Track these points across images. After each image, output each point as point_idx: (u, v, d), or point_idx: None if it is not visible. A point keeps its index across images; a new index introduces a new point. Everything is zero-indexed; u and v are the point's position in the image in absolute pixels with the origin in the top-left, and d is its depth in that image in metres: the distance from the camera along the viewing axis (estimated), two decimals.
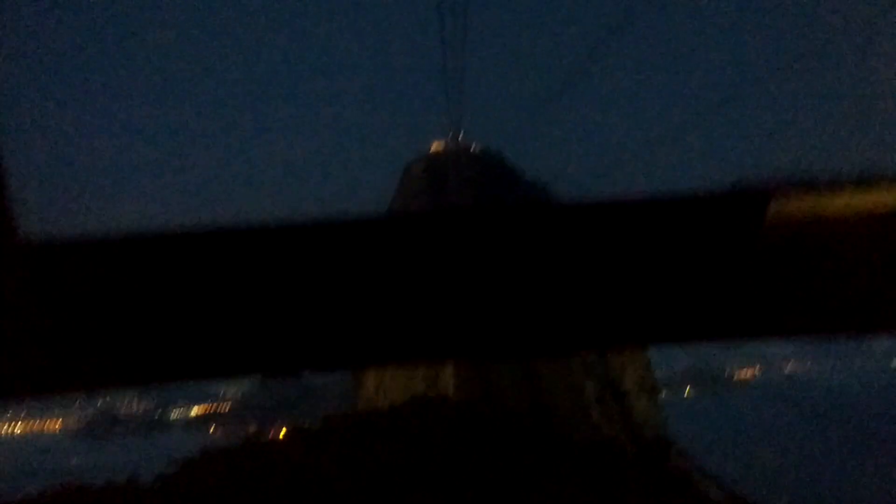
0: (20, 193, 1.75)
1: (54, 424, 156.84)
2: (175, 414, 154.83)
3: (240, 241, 1.75)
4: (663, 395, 50.33)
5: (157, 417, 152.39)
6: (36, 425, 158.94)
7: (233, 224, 1.74)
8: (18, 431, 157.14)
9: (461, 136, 63.91)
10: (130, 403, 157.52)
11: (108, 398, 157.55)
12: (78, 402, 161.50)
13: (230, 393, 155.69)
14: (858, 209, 1.79)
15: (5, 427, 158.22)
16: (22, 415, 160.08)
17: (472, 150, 62.37)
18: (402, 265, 1.77)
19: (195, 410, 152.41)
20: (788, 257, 1.78)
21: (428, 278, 1.76)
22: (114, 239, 1.75)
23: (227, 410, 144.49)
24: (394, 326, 1.74)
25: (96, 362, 1.69)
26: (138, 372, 1.73)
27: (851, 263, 1.76)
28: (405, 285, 1.72)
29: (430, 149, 63.35)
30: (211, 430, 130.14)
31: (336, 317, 1.74)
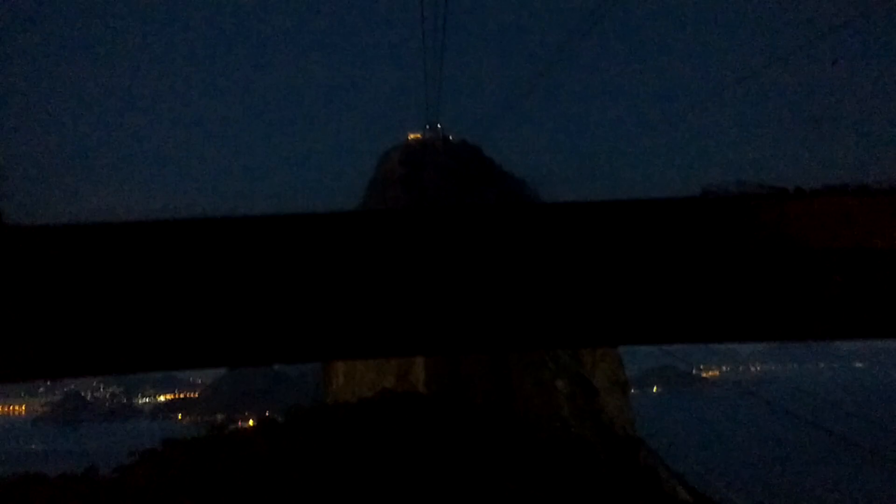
0: (2, 181, 1.79)
1: (20, 409, 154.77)
2: (142, 400, 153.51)
3: (216, 231, 1.76)
4: (633, 392, 50.56)
5: (124, 403, 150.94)
6: (1, 409, 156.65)
7: (209, 215, 1.77)
8: None
9: (438, 126, 63.70)
10: (97, 389, 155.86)
11: (74, 385, 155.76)
12: (43, 387, 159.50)
13: (199, 381, 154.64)
14: (826, 215, 1.83)
15: None
16: None
17: (448, 140, 62.14)
18: (376, 259, 1.76)
19: (163, 397, 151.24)
20: (759, 261, 1.78)
21: (401, 273, 1.76)
22: (92, 226, 1.75)
23: (195, 398, 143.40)
24: (366, 319, 1.74)
25: (75, 348, 1.69)
26: (117, 358, 1.71)
27: (823, 268, 1.79)
28: (378, 279, 1.75)
29: (407, 138, 63.10)
30: (178, 418, 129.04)
31: (309, 308, 1.73)
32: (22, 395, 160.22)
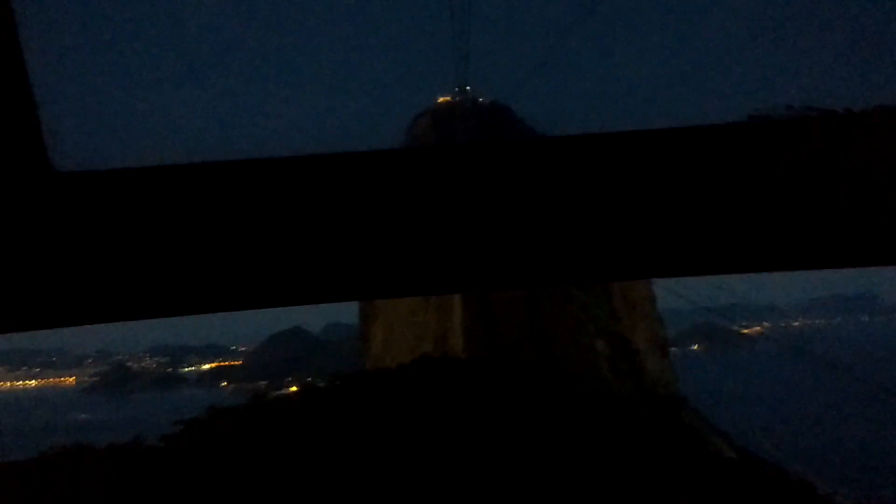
0: (51, 125, 1.75)
1: (70, 379, 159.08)
2: (187, 369, 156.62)
3: (256, 173, 1.77)
4: (673, 350, 50.04)
5: (169, 372, 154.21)
6: (51, 380, 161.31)
7: (248, 157, 1.81)
8: (34, 384, 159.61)
9: (468, 89, 62.87)
10: (144, 358, 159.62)
11: (121, 356, 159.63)
12: (91, 357, 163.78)
13: (242, 349, 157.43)
14: (873, 139, 1.76)
15: (21, 382, 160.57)
16: (37, 370, 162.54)
17: (478, 102, 61.33)
18: (409, 198, 1.77)
19: (207, 366, 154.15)
20: (805, 188, 1.74)
21: (435, 210, 1.76)
22: (142, 170, 1.76)
23: (238, 365, 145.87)
24: (400, 257, 1.77)
25: (121, 290, 1.72)
26: (161, 301, 1.75)
27: (868, 194, 1.73)
28: (413, 217, 1.76)
29: (436, 102, 62.44)
30: (223, 385, 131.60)
31: (344, 248, 1.76)
32: (71, 366, 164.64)
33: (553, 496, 21.95)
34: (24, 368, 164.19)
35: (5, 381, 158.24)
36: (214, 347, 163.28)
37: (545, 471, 23.00)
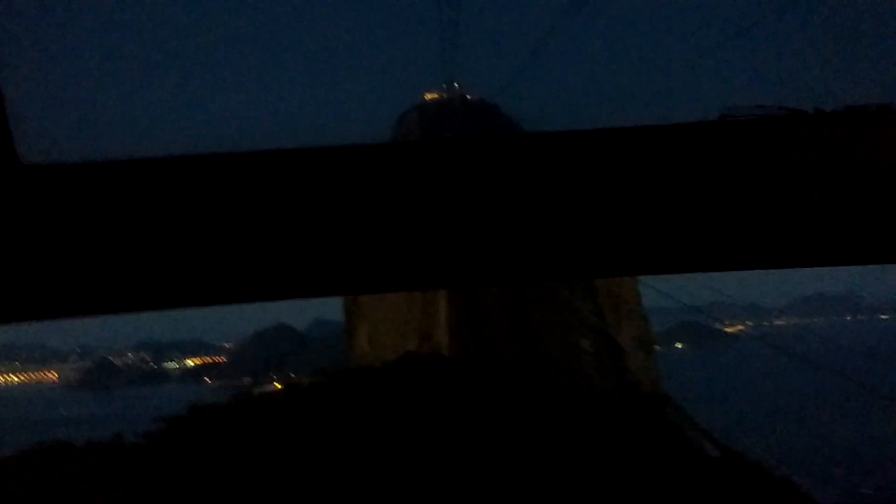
0: (18, 116, 1.74)
1: (52, 375, 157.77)
2: (171, 365, 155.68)
3: (233, 167, 1.77)
4: (657, 349, 50.19)
5: (153, 368, 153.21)
6: (34, 375, 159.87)
7: (226, 151, 1.79)
8: (16, 380, 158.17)
9: (456, 86, 62.65)
10: (126, 354, 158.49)
11: (104, 352, 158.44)
12: (74, 353, 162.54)
13: (226, 345, 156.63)
14: (845, 139, 1.81)
15: (3, 377, 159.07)
16: (18, 365, 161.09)
17: (466, 100, 61.13)
18: (396, 193, 1.76)
19: (191, 362, 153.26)
20: (780, 187, 1.78)
21: (421, 206, 1.76)
22: (109, 164, 1.76)
23: (222, 362, 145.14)
24: (386, 253, 1.77)
25: (93, 285, 1.72)
26: (133, 296, 1.74)
27: (841, 193, 1.78)
28: (398, 212, 1.77)
29: (424, 99, 62.17)
30: (206, 382, 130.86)
31: (329, 242, 1.75)
32: (54, 362, 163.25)
33: (536, 492, 21.98)
34: (6, 364, 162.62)
35: None
36: (198, 344, 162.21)
37: (529, 467, 23.02)
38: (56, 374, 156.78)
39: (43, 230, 1.69)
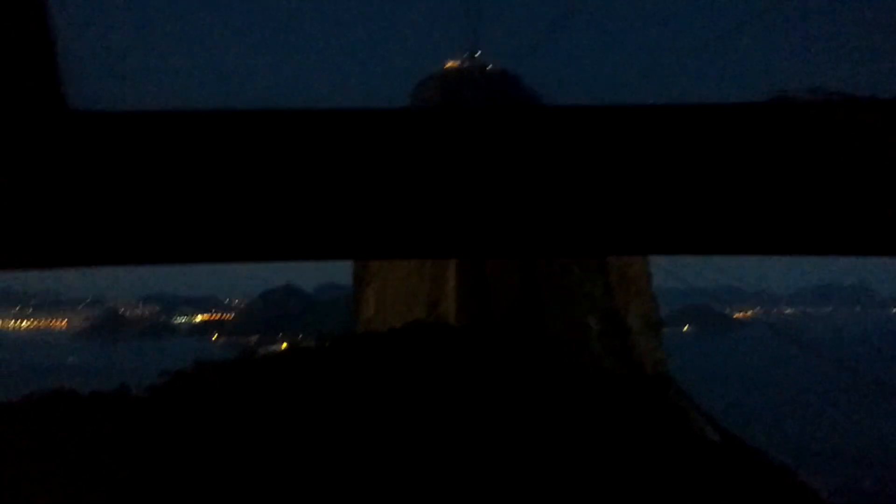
0: (68, 64, 1.72)
1: (62, 323, 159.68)
2: (179, 319, 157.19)
3: (267, 124, 1.77)
4: (664, 331, 50.14)
5: (161, 322, 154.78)
6: (43, 323, 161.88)
7: (260, 107, 1.78)
8: (25, 326, 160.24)
9: (478, 55, 61.91)
10: (136, 306, 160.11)
11: (113, 302, 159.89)
12: (84, 302, 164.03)
13: (234, 303, 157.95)
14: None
15: (12, 322, 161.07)
16: (29, 311, 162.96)
17: (487, 69, 60.45)
18: (411, 158, 1.75)
19: (199, 317, 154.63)
20: (819, 173, 1.72)
21: (436, 173, 1.75)
22: (158, 114, 1.77)
23: (230, 319, 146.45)
24: (398, 218, 1.77)
25: (130, 233, 1.75)
26: (176, 248, 1.77)
27: (880, 181, 1.72)
28: (412, 178, 1.77)
29: (444, 67, 61.51)
30: (213, 338, 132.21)
31: (344, 205, 1.75)
32: (64, 310, 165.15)
33: (535, 466, 22.05)
34: (18, 310, 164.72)
35: None
36: (207, 300, 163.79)
37: (529, 441, 23.09)
38: (65, 323, 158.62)
39: (86, 177, 1.70)
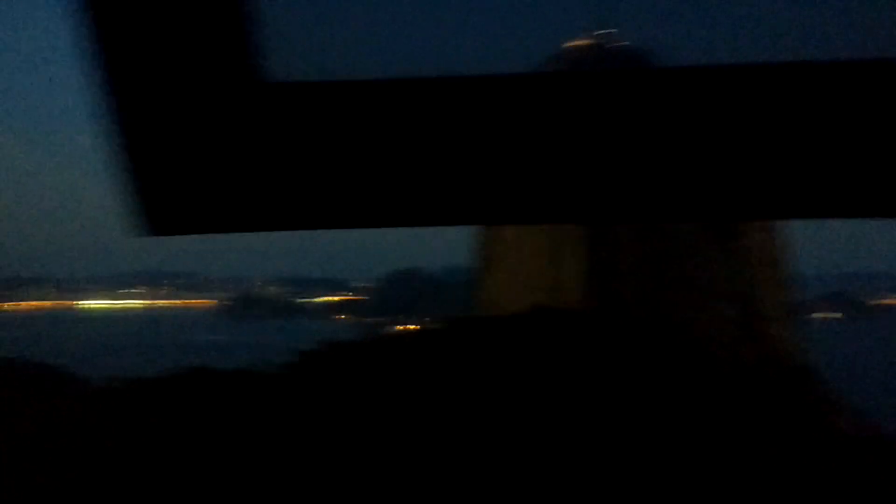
0: (261, 33, 1.75)
1: (200, 302, 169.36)
2: (311, 300, 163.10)
3: (456, 90, 1.76)
4: (801, 318, 47.68)
5: (292, 302, 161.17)
6: (181, 302, 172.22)
7: (448, 74, 1.77)
8: (168, 304, 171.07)
9: (605, 31, 59.92)
10: (269, 287, 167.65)
11: (249, 282, 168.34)
12: (222, 283, 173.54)
13: (362, 285, 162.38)
14: None
15: (159, 301, 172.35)
16: (173, 290, 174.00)
17: (615, 48, 58.62)
18: (544, 122, 1.72)
19: (328, 298, 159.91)
20: None
21: (568, 136, 1.72)
22: (355, 83, 1.81)
23: (359, 300, 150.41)
24: (530, 183, 1.78)
25: (320, 202, 1.81)
26: (371, 213, 1.82)
27: None
28: (544, 143, 1.77)
29: (569, 46, 60.07)
30: (342, 319, 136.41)
31: (485, 169, 1.76)
32: (202, 289, 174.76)
33: (661, 456, 21.46)
34: (156, 288, 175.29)
35: (145, 299, 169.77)
36: (335, 281, 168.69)
37: (655, 431, 22.48)
38: (204, 301, 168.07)
39: (277, 147, 1.74)
